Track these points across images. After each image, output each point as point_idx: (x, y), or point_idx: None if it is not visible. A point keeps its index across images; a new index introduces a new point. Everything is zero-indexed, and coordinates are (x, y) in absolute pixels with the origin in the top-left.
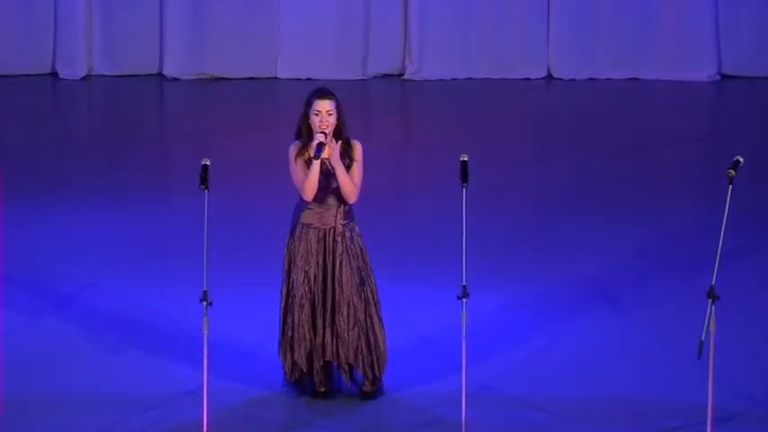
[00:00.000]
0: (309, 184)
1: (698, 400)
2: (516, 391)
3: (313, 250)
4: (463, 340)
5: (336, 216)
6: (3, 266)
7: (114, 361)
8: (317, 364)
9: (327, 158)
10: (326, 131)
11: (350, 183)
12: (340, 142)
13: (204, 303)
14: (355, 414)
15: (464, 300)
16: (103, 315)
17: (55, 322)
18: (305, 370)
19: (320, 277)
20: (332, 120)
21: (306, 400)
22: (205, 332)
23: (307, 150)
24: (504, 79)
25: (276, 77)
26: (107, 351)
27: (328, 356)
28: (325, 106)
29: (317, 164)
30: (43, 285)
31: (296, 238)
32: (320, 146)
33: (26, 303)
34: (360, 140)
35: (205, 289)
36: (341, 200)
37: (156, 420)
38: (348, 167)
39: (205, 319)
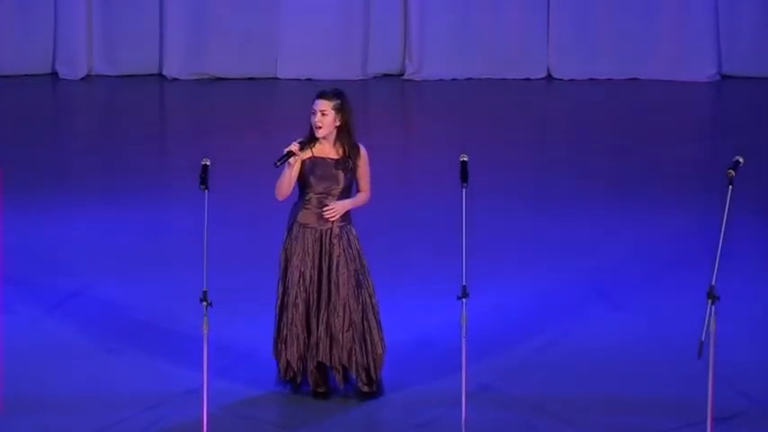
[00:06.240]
0: (279, 184)
1: (698, 400)
2: (516, 391)
3: (309, 250)
4: (463, 340)
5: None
6: (2, 266)
7: (114, 361)
8: (311, 365)
9: (322, 157)
10: (299, 147)
11: (362, 203)
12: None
13: (204, 303)
14: (354, 414)
15: (464, 300)
16: (103, 315)
17: (54, 322)
18: (296, 369)
19: (315, 278)
20: (326, 120)
21: (305, 400)
22: (205, 332)
23: (304, 149)
24: (504, 79)
25: (276, 77)
26: (106, 351)
27: (321, 357)
28: (319, 105)
29: (285, 166)
30: (43, 285)
31: (293, 237)
32: (289, 153)
33: (26, 303)
34: (359, 140)
35: (205, 289)
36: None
37: (156, 420)
38: (350, 170)
39: (205, 319)
